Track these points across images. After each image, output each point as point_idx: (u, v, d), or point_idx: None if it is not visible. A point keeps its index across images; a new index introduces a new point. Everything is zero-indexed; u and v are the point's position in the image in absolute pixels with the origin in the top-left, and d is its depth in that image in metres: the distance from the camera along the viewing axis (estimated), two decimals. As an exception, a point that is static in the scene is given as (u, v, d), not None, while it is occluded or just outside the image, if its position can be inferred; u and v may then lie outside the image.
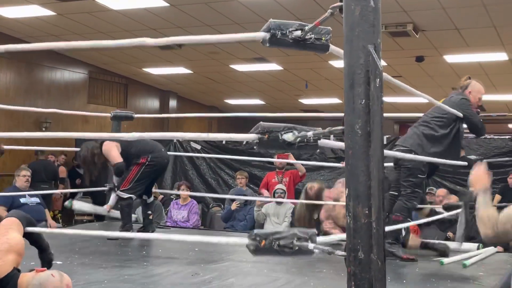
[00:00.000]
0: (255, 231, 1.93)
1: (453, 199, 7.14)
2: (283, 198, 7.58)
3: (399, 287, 3.64)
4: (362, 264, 1.60)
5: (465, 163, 4.70)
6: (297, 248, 1.88)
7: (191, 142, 9.93)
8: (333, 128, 1.90)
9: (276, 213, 7.53)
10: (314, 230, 1.99)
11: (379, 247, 1.60)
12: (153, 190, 8.57)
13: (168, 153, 9.57)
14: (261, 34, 2.09)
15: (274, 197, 7.63)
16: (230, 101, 17.18)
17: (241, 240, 2.00)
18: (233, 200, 8.10)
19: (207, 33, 7.95)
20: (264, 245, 1.89)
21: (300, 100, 16.42)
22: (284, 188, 7.94)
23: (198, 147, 9.87)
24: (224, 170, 9.77)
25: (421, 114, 5.06)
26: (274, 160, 8.12)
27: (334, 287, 3.52)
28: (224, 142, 9.69)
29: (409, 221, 4.66)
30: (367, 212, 1.61)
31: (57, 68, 12.41)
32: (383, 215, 1.64)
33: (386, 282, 1.62)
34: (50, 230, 5.53)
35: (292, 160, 8.08)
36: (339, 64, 11.36)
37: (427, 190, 7.12)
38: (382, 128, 1.65)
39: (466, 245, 4.84)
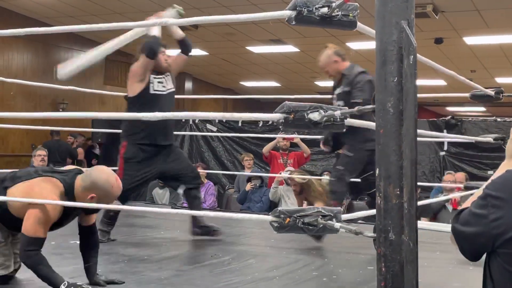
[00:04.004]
0: (279, 208, 1.90)
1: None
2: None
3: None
4: (393, 245, 1.57)
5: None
6: (321, 226, 1.85)
7: (207, 124, 9.92)
8: (363, 107, 1.85)
9: (289, 194, 7.53)
10: (340, 208, 1.96)
11: (411, 228, 1.57)
12: None
13: (184, 133, 9.64)
14: (286, 12, 2.03)
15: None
16: (245, 83, 17.12)
17: (265, 217, 1.98)
18: (248, 181, 8.09)
19: (224, 14, 7.88)
20: (288, 223, 1.86)
21: (316, 83, 16.32)
22: (293, 170, 7.92)
23: (214, 129, 9.85)
24: (240, 152, 9.74)
25: (438, 95, 4.97)
26: (291, 136, 7.98)
27: (355, 269, 3.50)
28: (240, 124, 9.66)
29: None
30: (398, 192, 1.58)
31: (74, 49, 12.40)
32: (415, 195, 1.61)
33: (418, 264, 1.60)
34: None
35: (298, 141, 8.02)
36: (356, 46, 11.24)
37: (445, 173, 7.05)
38: (416, 107, 1.61)
39: None
